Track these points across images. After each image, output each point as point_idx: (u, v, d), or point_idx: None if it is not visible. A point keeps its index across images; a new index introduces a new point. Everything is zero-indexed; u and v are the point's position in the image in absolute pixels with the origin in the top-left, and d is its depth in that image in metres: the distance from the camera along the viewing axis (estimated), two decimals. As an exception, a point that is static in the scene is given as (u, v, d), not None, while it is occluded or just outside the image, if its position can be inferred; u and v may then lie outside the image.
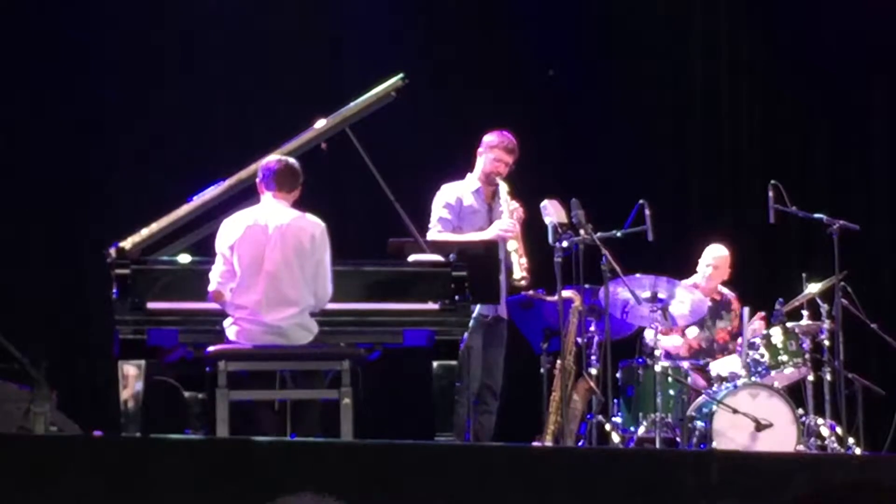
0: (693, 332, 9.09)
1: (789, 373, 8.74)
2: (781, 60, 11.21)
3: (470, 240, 7.93)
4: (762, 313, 8.98)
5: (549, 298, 8.08)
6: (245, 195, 7.31)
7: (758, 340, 8.73)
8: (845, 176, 11.17)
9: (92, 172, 9.57)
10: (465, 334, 7.41)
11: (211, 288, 6.91)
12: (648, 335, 8.76)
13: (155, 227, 7.20)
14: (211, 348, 6.79)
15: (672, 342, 9.05)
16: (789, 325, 8.78)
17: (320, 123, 7.52)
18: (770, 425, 8.26)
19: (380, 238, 7.69)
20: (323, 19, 10.24)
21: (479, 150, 8.29)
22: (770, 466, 6.07)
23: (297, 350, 6.89)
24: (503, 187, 8.16)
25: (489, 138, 8.27)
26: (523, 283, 7.96)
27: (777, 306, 8.88)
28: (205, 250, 7.17)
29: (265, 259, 6.87)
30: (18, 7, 9.49)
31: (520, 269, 7.93)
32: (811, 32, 11.12)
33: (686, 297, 8.68)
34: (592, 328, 8.44)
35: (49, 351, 6.71)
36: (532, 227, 8.17)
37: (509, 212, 8.08)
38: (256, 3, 10.05)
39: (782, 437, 8.27)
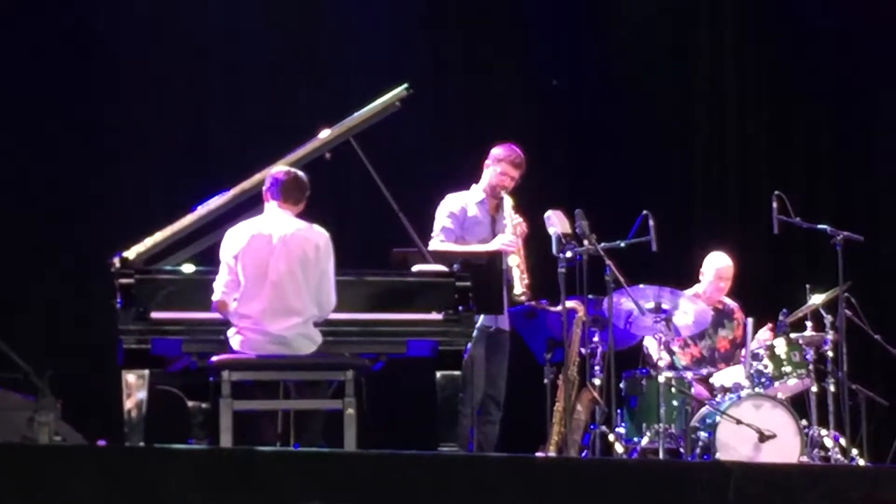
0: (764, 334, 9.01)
1: (793, 384, 8.72)
2: (786, 70, 11.21)
3: (473, 251, 7.93)
4: (771, 324, 8.97)
5: (552, 309, 8.08)
6: (249, 205, 7.32)
7: (761, 351, 8.71)
8: (850, 186, 11.16)
9: (96, 181, 9.56)
10: (469, 345, 7.41)
11: (215, 297, 6.91)
12: (651, 345, 8.73)
13: (159, 236, 7.21)
14: (215, 358, 6.79)
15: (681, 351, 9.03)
16: (793, 335, 8.76)
17: (324, 133, 7.53)
18: (774, 436, 8.24)
19: (383, 248, 7.69)
20: (327, 28, 10.24)
21: (487, 161, 8.30)
22: (783, 478, 6.06)
23: (301, 360, 6.89)
24: (507, 201, 8.17)
25: (497, 151, 8.27)
26: (523, 298, 7.97)
27: (781, 317, 8.87)
28: (209, 260, 7.18)
29: (269, 269, 6.88)
30: (21, 10, 9.49)
31: (520, 284, 7.94)
32: (817, 41, 11.12)
33: (690, 308, 8.67)
34: (596, 339, 8.42)
35: (53, 360, 6.68)
36: (536, 238, 8.18)
37: (512, 227, 8.08)
38: (261, 12, 10.05)
39: (786, 448, 8.25)
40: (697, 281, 9.31)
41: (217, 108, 9.82)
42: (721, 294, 9.29)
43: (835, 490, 5.92)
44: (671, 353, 8.96)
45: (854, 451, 8.62)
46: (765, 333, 8.94)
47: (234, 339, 6.88)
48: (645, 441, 8.45)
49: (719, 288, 9.25)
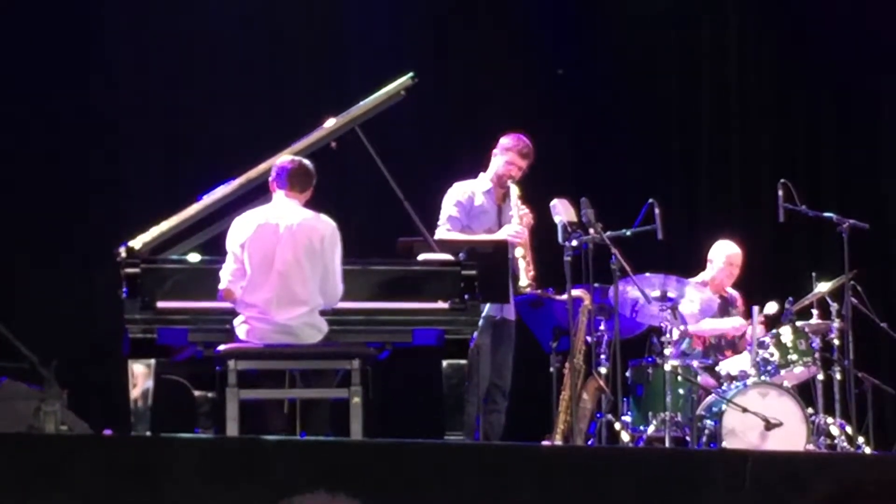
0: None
1: (799, 372, 8.72)
2: (790, 58, 11.19)
3: (479, 240, 7.92)
4: (762, 317, 8.92)
5: (558, 297, 8.07)
6: (255, 194, 7.31)
7: (767, 339, 8.71)
8: (855, 174, 11.15)
9: (101, 171, 9.57)
10: (475, 333, 7.40)
11: (221, 286, 6.91)
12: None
13: (165, 226, 7.20)
14: (221, 347, 6.79)
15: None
16: (799, 323, 8.76)
17: (330, 122, 7.53)
18: (780, 424, 8.24)
19: (389, 237, 7.69)
20: (332, 18, 10.24)
21: (495, 151, 8.28)
22: (793, 466, 6.06)
23: (307, 349, 6.89)
24: (514, 191, 8.15)
25: (505, 141, 8.25)
26: (528, 290, 7.95)
27: (787, 305, 8.87)
28: (214, 249, 7.18)
29: (276, 258, 6.88)
30: (24, 6, 9.48)
31: (526, 276, 7.93)
32: (820, 30, 11.10)
33: (696, 296, 8.67)
34: (602, 327, 8.42)
35: (59, 350, 6.68)
36: (542, 227, 8.17)
37: (519, 217, 8.07)
38: (266, 1, 10.05)
39: (792, 436, 8.26)
40: (704, 269, 9.31)
41: (223, 97, 9.81)
42: (731, 280, 9.30)
43: (844, 476, 5.90)
44: (686, 335, 8.96)
45: (860, 439, 8.61)
46: (758, 328, 8.88)
47: (241, 328, 6.88)
48: (651, 429, 8.45)
49: (731, 274, 9.26)
